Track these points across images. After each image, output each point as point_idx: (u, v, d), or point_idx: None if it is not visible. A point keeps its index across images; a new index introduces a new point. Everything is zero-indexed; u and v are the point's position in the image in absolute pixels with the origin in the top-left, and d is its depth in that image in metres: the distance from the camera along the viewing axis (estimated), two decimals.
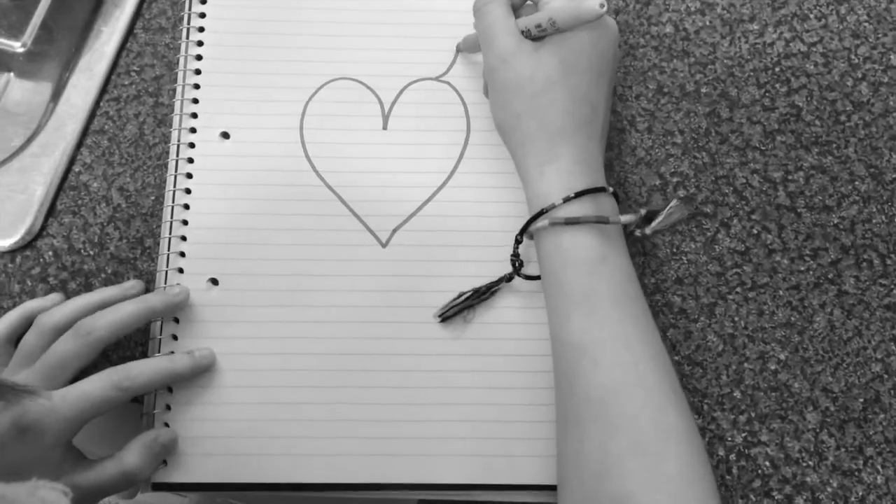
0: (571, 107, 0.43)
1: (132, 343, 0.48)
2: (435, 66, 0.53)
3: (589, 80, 0.43)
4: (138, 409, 0.46)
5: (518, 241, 0.45)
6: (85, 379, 0.41)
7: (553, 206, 0.42)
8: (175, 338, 0.46)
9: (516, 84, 0.44)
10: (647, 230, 0.46)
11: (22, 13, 0.53)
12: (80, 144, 0.51)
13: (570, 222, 0.41)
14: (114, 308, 0.44)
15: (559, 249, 0.42)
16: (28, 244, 0.49)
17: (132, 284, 0.47)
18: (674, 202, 0.47)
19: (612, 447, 0.37)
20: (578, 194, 0.42)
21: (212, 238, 0.48)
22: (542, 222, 0.42)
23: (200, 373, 0.45)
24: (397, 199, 0.50)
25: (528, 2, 0.47)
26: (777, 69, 0.53)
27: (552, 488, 0.43)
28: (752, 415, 0.46)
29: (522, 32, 0.44)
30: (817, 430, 0.46)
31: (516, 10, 0.47)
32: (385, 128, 0.51)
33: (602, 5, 0.41)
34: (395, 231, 0.49)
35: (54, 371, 0.42)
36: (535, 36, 0.44)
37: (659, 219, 0.46)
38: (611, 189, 0.43)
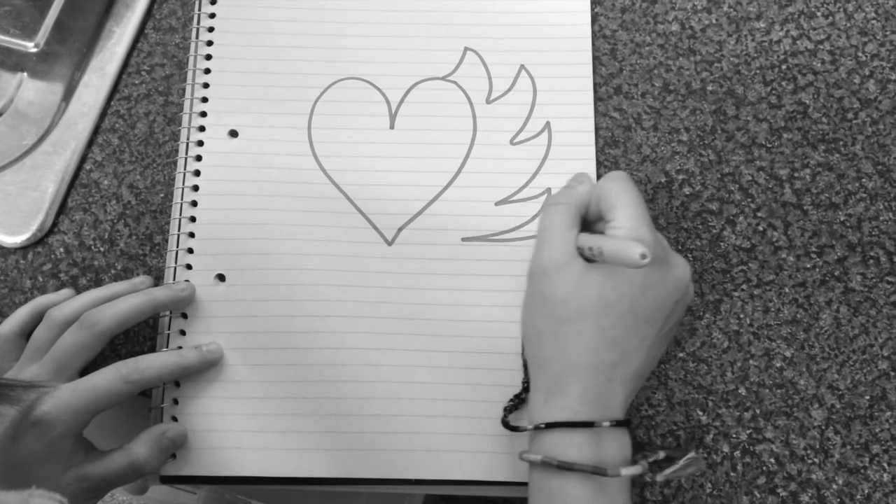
0: (597, 346, 0.39)
1: (141, 338, 0.48)
2: (442, 65, 0.53)
3: (627, 325, 0.39)
4: (146, 404, 0.46)
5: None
6: (94, 372, 0.42)
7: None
8: (183, 333, 0.47)
9: (548, 301, 0.40)
10: (659, 477, 0.41)
11: (35, 14, 0.54)
12: (91, 143, 0.52)
13: (563, 467, 0.37)
14: (118, 300, 0.44)
15: (547, 495, 0.38)
16: (39, 241, 0.50)
17: (141, 280, 0.48)
18: (691, 454, 0.42)
19: None
20: (577, 424, 0.38)
21: (219, 234, 0.49)
22: (534, 456, 0.38)
23: (208, 367, 0.46)
24: (403, 198, 0.50)
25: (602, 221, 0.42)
26: (784, 67, 0.53)
27: None
28: (758, 411, 0.46)
29: (579, 249, 0.40)
30: (823, 428, 0.46)
31: (590, 226, 0.43)
32: (392, 127, 0.52)
33: (644, 256, 0.35)
34: (400, 230, 0.49)
35: (62, 363, 0.42)
36: (589, 258, 0.40)
37: (672, 469, 0.41)
38: (611, 423, 0.38)
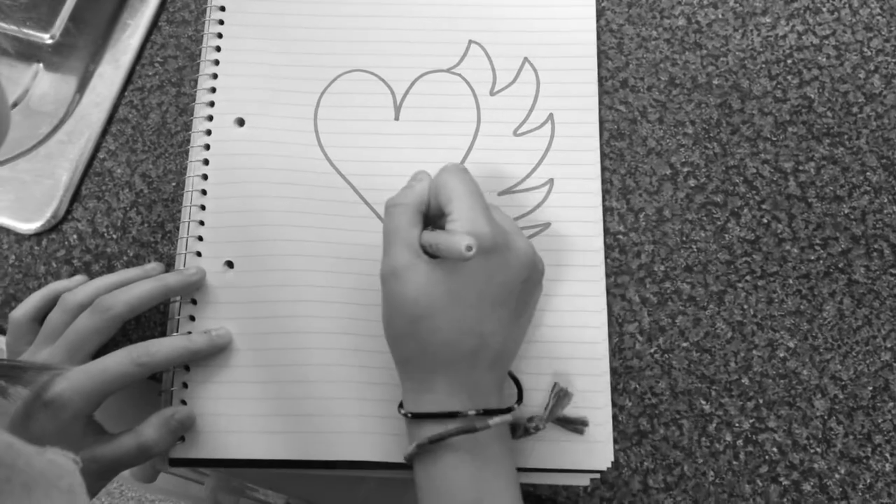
0: (453, 338, 0.39)
1: (151, 323, 0.49)
2: (447, 58, 0.53)
3: (479, 313, 0.40)
4: (155, 388, 0.47)
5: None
6: (106, 355, 0.43)
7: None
8: (192, 318, 0.48)
9: (400, 302, 0.40)
10: (541, 425, 0.44)
11: (51, 6, 0.55)
12: (105, 132, 0.53)
13: (434, 439, 0.38)
14: (131, 286, 0.45)
15: (431, 486, 0.39)
16: (53, 227, 0.51)
17: (153, 266, 0.48)
18: (554, 389, 0.45)
19: None
20: (441, 415, 0.39)
21: (228, 222, 0.49)
22: (409, 448, 0.40)
23: (217, 352, 0.46)
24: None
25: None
26: (789, 61, 0.53)
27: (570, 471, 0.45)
28: (760, 401, 0.46)
29: (423, 247, 0.41)
30: (825, 418, 0.46)
31: (434, 221, 0.44)
32: (397, 118, 0.52)
33: (469, 248, 0.36)
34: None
35: (75, 347, 0.43)
36: (432, 254, 0.41)
37: (549, 409, 0.45)
38: (472, 411, 0.39)
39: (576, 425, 0.45)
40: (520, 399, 0.44)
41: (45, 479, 0.30)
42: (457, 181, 0.42)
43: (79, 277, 0.49)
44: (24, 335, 0.46)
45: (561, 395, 0.45)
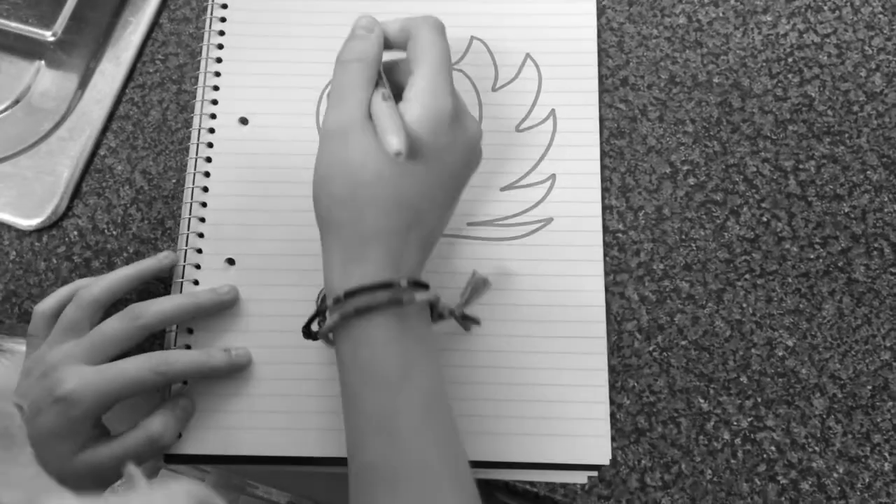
0: (393, 209, 0.39)
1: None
2: None
3: (421, 188, 0.39)
4: (154, 397, 0.47)
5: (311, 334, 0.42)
6: (124, 359, 0.43)
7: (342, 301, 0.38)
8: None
9: (343, 164, 0.39)
10: (457, 310, 0.43)
11: (53, 3, 0.55)
12: (105, 129, 0.53)
13: (361, 309, 0.37)
14: (164, 299, 0.45)
15: (357, 361, 0.38)
16: (54, 224, 0.51)
17: (165, 255, 0.48)
18: (473, 276, 0.44)
19: None
20: (372, 288, 0.38)
21: (229, 220, 0.50)
22: (333, 318, 0.38)
23: (236, 371, 0.47)
24: None
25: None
26: (790, 60, 0.53)
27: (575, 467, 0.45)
28: (759, 400, 0.46)
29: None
30: (824, 417, 0.46)
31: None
32: None
33: (398, 154, 0.37)
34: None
35: (99, 348, 0.43)
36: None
37: (466, 296, 0.44)
38: (402, 285, 0.38)
39: (467, 321, 0.44)
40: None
41: None
42: (430, 43, 0.41)
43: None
44: (43, 329, 0.46)
45: (479, 283, 0.44)
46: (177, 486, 0.22)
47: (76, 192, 0.52)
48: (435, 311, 0.42)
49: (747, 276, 0.49)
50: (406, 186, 0.39)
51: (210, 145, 0.51)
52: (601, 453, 0.45)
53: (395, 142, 0.37)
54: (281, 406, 0.46)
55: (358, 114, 0.39)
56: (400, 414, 0.37)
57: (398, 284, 0.38)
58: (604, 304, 0.48)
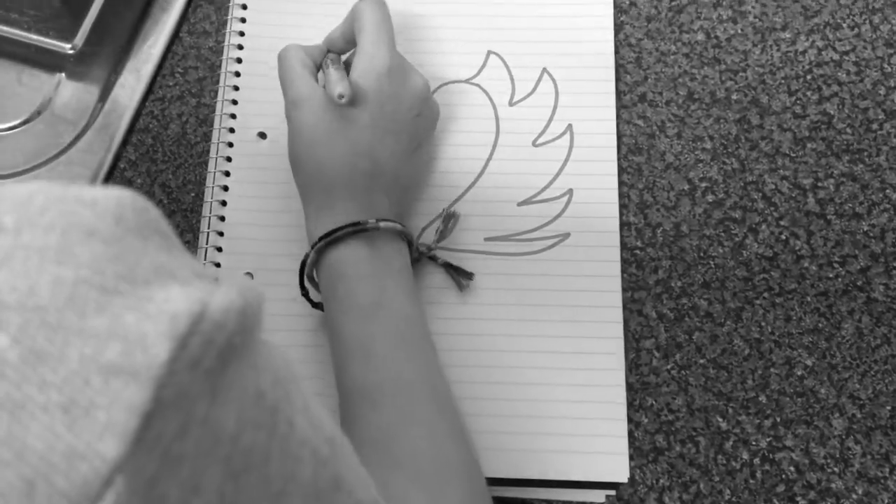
0: (349, 160, 0.43)
1: None
2: (465, 68, 0.54)
3: (372, 137, 0.44)
4: None
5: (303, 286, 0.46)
6: None
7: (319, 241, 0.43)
8: None
9: (303, 129, 0.44)
10: (434, 245, 0.48)
11: (73, 16, 0.56)
12: (125, 142, 0.53)
13: (328, 238, 0.42)
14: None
15: (336, 295, 0.42)
16: None
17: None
18: (442, 213, 0.49)
19: (393, 482, 0.37)
20: (340, 230, 0.42)
21: (248, 234, 0.50)
22: (310, 254, 0.43)
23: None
24: (427, 199, 0.51)
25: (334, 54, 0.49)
26: (809, 77, 0.53)
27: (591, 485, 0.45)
28: (778, 419, 0.46)
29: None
30: (843, 437, 0.46)
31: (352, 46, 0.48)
32: None
33: (341, 96, 0.42)
34: (424, 229, 0.50)
35: None
36: None
37: (439, 231, 0.49)
38: (383, 225, 0.43)
39: (461, 275, 0.48)
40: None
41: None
42: (368, 13, 0.46)
43: None
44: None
45: (449, 217, 0.49)
46: (120, 188, 0.23)
47: None
48: (413, 249, 0.46)
49: (766, 294, 0.48)
50: (356, 135, 0.44)
51: (229, 159, 0.51)
52: (619, 471, 0.45)
53: (338, 88, 0.43)
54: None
55: (302, 86, 0.45)
56: (375, 339, 0.41)
57: (365, 223, 0.42)
58: (621, 321, 0.48)
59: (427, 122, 0.48)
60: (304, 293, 0.46)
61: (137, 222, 0.23)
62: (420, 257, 0.48)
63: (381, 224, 0.42)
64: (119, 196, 0.23)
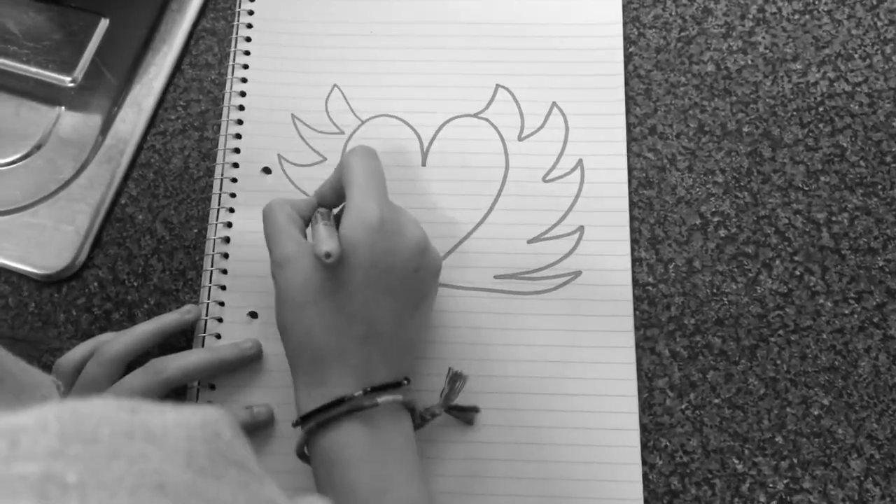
0: (341, 323, 0.39)
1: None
2: (474, 102, 0.53)
3: (366, 298, 0.39)
4: None
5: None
6: None
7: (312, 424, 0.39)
8: None
9: (290, 290, 0.40)
10: (438, 410, 0.43)
11: (73, 49, 0.55)
12: (126, 177, 0.52)
13: (322, 425, 0.38)
14: (186, 353, 0.45)
15: (330, 483, 0.39)
16: (74, 275, 0.50)
17: (188, 309, 0.48)
18: (449, 373, 0.44)
19: None
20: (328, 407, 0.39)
21: (252, 271, 0.49)
22: (300, 438, 0.40)
23: (257, 429, 0.46)
24: (435, 236, 0.49)
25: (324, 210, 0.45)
26: (821, 109, 0.52)
27: None
28: (795, 461, 0.45)
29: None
30: (862, 479, 0.45)
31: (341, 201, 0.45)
32: (424, 164, 0.52)
33: (328, 255, 0.38)
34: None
35: None
36: None
37: (444, 395, 0.44)
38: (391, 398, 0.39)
39: (467, 413, 0.45)
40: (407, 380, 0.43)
41: (16, 381, 0.30)
42: (357, 165, 0.42)
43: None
44: (65, 386, 0.45)
45: (455, 378, 0.44)
46: (190, 408, 0.22)
47: (96, 242, 0.51)
48: (416, 415, 0.42)
49: (781, 331, 0.48)
50: (348, 297, 0.39)
51: (233, 195, 0.50)
52: None
53: (325, 246, 0.38)
54: (303, 466, 0.45)
55: (290, 244, 0.41)
56: None
57: (351, 396, 0.38)
58: (634, 360, 0.47)
59: (427, 275, 0.43)
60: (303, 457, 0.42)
61: (211, 456, 0.21)
62: (423, 424, 0.43)
63: (380, 399, 0.39)
64: (189, 425, 0.21)
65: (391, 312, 0.40)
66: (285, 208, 0.43)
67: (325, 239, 0.39)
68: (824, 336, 0.47)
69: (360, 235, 0.40)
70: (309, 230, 0.44)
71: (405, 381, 0.41)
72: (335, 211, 0.45)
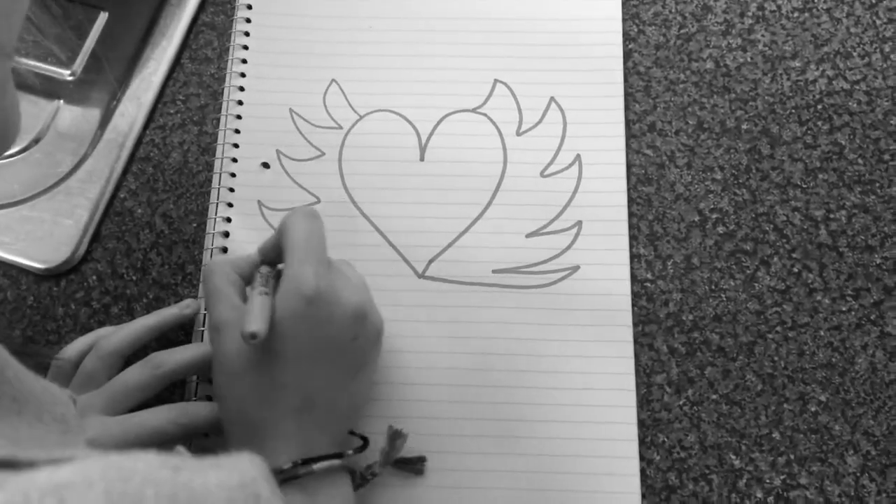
0: (274, 396, 0.38)
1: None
2: (472, 97, 0.53)
3: (300, 369, 0.38)
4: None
5: None
6: (146, 410, 0.42)
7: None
8: None
9: (223, 357, 0.39)
10: (378, 469, 0.43)
11: (72, 42, 0.55)
12: (125, 171, 0.52)
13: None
14: (185, 348, 0.45)
15: None
16: (73, 268, 0.50)
17: (187, 303, 0.48)
18: (389, 431, 0.44)
19: None
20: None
21: None
22: None
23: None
24: (434, 230, 0.50)
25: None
26: (819, 107, 0.52)
27: None
28: (792, 457, 0.45)
29: None
30: (858, 475, 0.45)
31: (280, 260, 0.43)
32: (422, 159, 0.52)
33: (253, 336, 0.36)
34: (431, 262, 0.49)
35: (118, 398, 0.43)
36: None
37: (384, 453, 0.44)
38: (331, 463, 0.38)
39: (414, 465, 0.44)
40: (362, 448, 0.42)
41: (38, 401, 0.28)
42: (296, 229, 0.40)
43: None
44: (64, 379, 0.45)
45: (395, 436, 0.44)
46: (229, 465, 0.22)
47: (95, 236, 0.51)
48: (356, 476, 0.41)
49: (778, 328, 0.48)
50: (282, 370, 0.38)
51: (232, 190, 0.50)
52: None
53: (251, 326, 0.36)
54: None
55: (226, 310, 0.39)
56: None
57: (282, 469, 0.37)
58: (632, 355, 0.47)
59: (366, 343, 0.41)
60: None
61: None
62: (364, 483, 0.43)
63: (315, 467, 0.37)
64: (230, 486, 0.21)
65: (328, 382, 0.39)
66: (224, 268, 0.41)
67: (254, 317, 0.37)
68: (822, 333, 0.48)
69: (294, 306, 0.38)
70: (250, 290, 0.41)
71: (349, 452, 0.40)
72: (280, 266, 0.42)
